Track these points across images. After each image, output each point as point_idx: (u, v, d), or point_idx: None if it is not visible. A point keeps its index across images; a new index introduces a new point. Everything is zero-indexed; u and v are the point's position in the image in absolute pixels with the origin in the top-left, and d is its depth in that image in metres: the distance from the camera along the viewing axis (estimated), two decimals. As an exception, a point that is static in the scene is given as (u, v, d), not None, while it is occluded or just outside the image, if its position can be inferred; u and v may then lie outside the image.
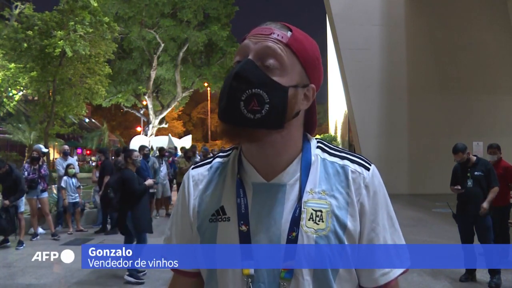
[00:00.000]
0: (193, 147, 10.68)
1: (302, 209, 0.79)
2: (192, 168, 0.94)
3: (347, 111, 15.59)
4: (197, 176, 0.91)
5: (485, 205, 4.31)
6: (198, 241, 0.86)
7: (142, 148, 8.52)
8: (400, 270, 0.84)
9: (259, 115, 0.74)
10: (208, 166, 0.92)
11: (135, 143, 16.41)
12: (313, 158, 0.85)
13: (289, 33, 0.81)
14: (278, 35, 0.80)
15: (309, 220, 0.79)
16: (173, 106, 21.92)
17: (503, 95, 12.88)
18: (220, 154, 0.94)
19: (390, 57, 13.00)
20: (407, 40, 13.03)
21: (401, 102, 12.96)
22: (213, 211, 0.84)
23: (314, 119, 0.91)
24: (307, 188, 0.81)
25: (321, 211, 0.79)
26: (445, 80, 12.87)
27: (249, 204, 0.81)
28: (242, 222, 0.80)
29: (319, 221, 0.79)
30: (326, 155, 0.86)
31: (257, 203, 0.81)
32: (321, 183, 0.82)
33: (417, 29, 12.98)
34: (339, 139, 20.13)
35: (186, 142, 17.76)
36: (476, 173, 4.44)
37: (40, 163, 6.82)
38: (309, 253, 0.77)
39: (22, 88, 12.80)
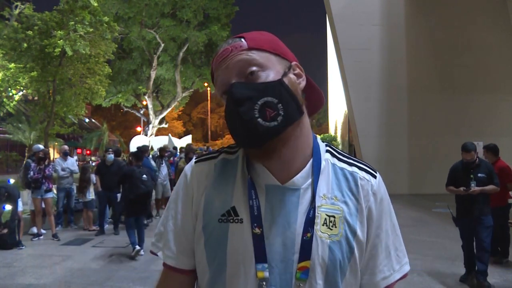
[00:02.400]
0: (189, 146, 10.61)
1: (316, 213, 0.79)
2: (195, 162, 0.90)
3: (347, 111, 15.59)
4: (202, 171, 0.88)
5: (477, 188, 4.22)
6: (201, 240, 0.83)
7: (145, 149, 8.64)
8: (399, 275, 0.86)
9: (280, 117, 0.75)
10: (213, 161, 0.89)
11: (135, 143, 16.40)
12: (323, 162, 0.85)
13: (243, 40, 0.82)
14: (236, 47, 0.81)
15: (323, 225, 0.79)
16: (173, 106, 21.90)
17: (503, 95, 12.88)
18: (226, 150, 0.91)
19: (390, 57, 12.99)
20: (407, 40, 13.02)
21: (401, 102, 12.96)
22: (224, 211, 0.82)
23: (319, 94, 0.92)
24: (320, 193, 0.81)
25: (334, 216, 0.80)
26: (445, 80, 12.86)
27: (262, 206, 0.80)
28: (255, 224, 0.79)
29: (332, 226, 0.79)
30: (335, 161, 0.87)
31: (270, 206, 0.80)
32: (334, 189, 0.83)
33: (417, 29, 12.98)
34: (339, 139, 20.12)
35: (186, 142, 17.73)
36: (479, 175, 4.29)
37: (46, 163, 6.84)
38: (323, 258, 0.77)
39: (22, 88, 12.80)
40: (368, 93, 12.86)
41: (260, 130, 0.74)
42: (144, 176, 5.79)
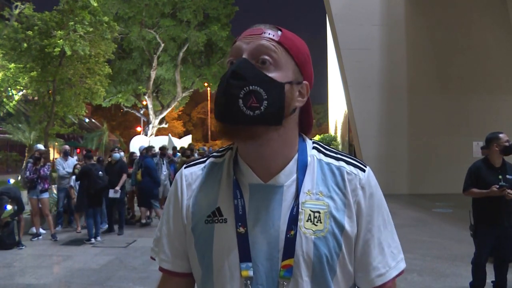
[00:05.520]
0: (190, 145, 10.67)
1: (300, 210, 0.79)
2: (185, 168, 0.93)
3: (347, 111, 15.59)
4: (190, 175, 0.90)
5: None
6: (191, 242, 0.84)
7: (149, 148, 8.65)
8: (396, 272, 0.84)
9: (258, 111, 0.75)
10: (202, 165, 0.91)
11: (135, 143, 16.38)
12: (309, 158, 0.85)
13: (279, 32, 0.82)
14: (269, 33, 0.81)
15: (307, 221, 0.78)
16: (173, 106, 21.89)
17: (503, 95, 12.88)
18: (214, 154, 0.93)
19: (390, 57, 12.99)
20: (407, 40, 13.03)
21: (401, 102, 12.96)
22: (209, 212, 0.83)
23: (310, 120, 0.92)
24: (305, 189, 0.81)
25: (319, 212, 0.79)
26: (445, 80, 12.86)
27: (246, 206, 0.80)
28: (239, 223, 0.79)
29: (317, 222, 0.79)
30: (322, 156, 0.87)
31: (254, 205, 0.80)
32: (319, 184, 0.82)
33: (417, 29, 12.98)
34: (339, 139, 20.13)
35: (186, 142, 17.71)
36: (508, 176, 3.71)
37: (42, 163, 6.84)
38: (308, 254, 0.77)
39: (22, 88, 12.79)
40: (368, 93, 12.86)
41: (234, 110, 0.74)
42: (100, 172, 6.81)
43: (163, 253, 0.90)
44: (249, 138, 0.77)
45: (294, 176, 0.82)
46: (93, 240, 6.57)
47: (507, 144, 3.74)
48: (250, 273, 0.77)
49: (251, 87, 0.75)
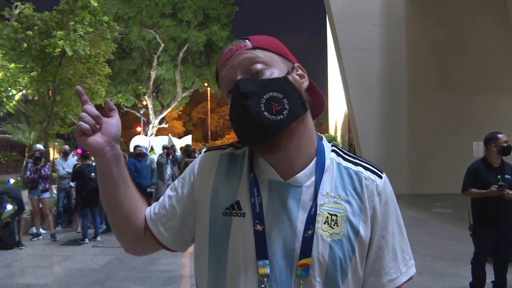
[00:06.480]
0: (188, 146, 10.63)
1: (318, 212, 0.80)
2: (205, 152, 0.95)
3: (347, 111, 15.59)
4: (207, 159, 0.92)
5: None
6: (206, 232, 0.84)
7: (135, 148, 8.55)
8: (406, 277, 0.86)
9: (286, 111, 0.77)
10: (221, 152, 0.92)
11: (135, 143, 16.39)
12: (328, 161, 0.86)
13: (247, 40, 0.85)
14: (241, 47, 0.83)
15: (324, 223, 0.80)
16: (173, 106, 21.90)
17: (503, 95, 12.88)
18: (235, 144, 0.94)
19: (390, 57, 12.99)
20: (407, 40, 13.02)
21: (401, 102, 12.96)
22: (228, 204, 0.83)
23: (321, 98, 0.94)
24: (323, 191, 0.82)
25: (336, 215, 0.81)
26: (445, 80, 12.86)
27: (264, 202, 0.81)
28: (257, 221, 0.80)
29: (334, 225, 0.80)
30: (340, 160, 0.88)
31: (272, 202, 0.81)
32: (337, 188, 0.83)
33: (417, 29, 12.98)
34: (339, 139, 20.12)
35: (186, 142, 17.70)
36: (507, 176, 3.68)
37: (43, 163, 6.84)
38: (323, 255, 0.78)
39: (22, 88, 12.81)
40: (368, 93, 12.86)
41: (266, 123, 0.75)
42: (93, 174, 6.69)
43: (153, 211, 0.93)
44: (288, 140, 0.79)
45: (313, 177, 0.83)
46: (86, 240, 6.59)
47: (505, 144, 3.70)
48: (267, 270, 0.77)
49: (265, 96, 0.77)
